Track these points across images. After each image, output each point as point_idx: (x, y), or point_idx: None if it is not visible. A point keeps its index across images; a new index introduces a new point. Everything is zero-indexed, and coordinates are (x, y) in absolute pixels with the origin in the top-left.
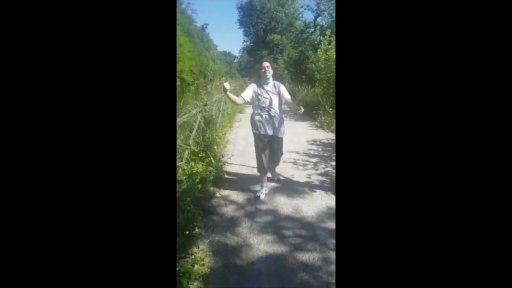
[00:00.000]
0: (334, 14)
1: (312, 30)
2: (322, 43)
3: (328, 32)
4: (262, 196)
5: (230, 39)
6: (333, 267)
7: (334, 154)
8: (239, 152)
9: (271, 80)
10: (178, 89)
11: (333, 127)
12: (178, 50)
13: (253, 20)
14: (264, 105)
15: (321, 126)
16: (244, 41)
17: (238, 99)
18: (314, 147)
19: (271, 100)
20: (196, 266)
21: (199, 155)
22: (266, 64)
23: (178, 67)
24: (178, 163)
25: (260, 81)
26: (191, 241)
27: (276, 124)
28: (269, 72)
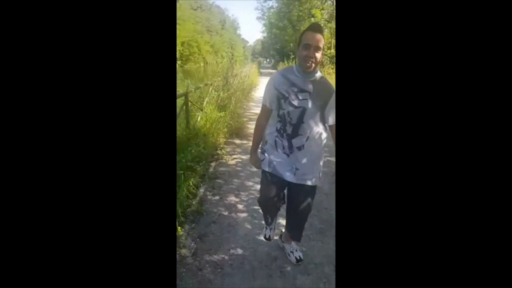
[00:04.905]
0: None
1: None
2: None
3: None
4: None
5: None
6: None
7: None
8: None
9: (318, 74)
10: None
11: None
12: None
13: None
14: (288, 119)
15: None
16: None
17: (262, 128)
18: None
19: (303, 112)
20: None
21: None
22: (317, 36)
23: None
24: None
25: (291, 72)
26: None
27: (303, 162)
28: (315, 60)
